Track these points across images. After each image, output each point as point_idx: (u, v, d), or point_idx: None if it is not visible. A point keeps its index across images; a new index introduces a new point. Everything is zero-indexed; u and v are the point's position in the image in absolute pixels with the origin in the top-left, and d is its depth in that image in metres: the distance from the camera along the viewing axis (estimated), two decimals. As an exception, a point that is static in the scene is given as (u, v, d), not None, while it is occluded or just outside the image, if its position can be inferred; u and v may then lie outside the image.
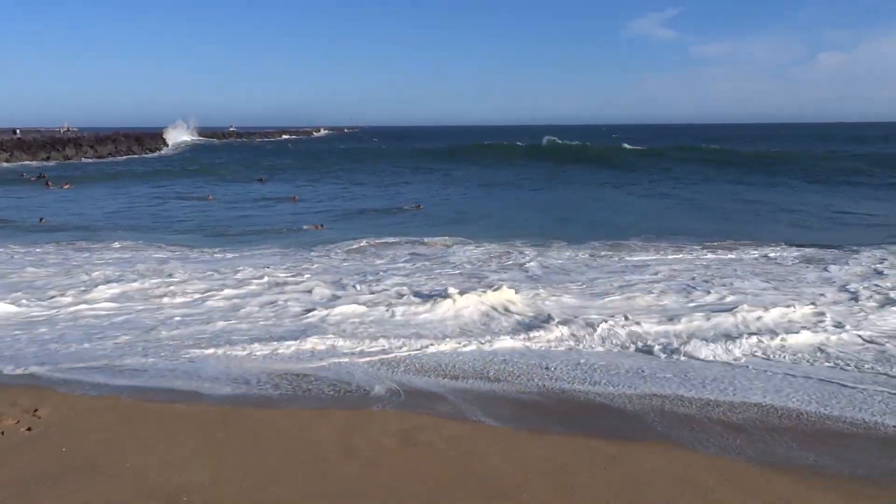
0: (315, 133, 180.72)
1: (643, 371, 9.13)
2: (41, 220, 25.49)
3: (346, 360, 9.51)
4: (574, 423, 7.56)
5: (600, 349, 10.11)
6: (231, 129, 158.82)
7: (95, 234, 21.82)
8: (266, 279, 14.43)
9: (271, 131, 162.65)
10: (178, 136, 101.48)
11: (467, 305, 11.88)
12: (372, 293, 13.15)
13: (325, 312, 11.77)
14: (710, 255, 17.27)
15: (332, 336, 10.44)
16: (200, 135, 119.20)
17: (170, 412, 7.76)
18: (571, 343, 10.31)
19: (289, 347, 9.97)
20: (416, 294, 12.90)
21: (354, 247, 19.09)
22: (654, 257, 17.12)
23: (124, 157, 69.10)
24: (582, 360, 9.53)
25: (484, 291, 12.39)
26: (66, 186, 39.19)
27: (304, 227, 23.20)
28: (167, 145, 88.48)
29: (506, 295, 12.24)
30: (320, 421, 7.51)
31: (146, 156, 73.02)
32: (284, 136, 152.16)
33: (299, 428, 7.33)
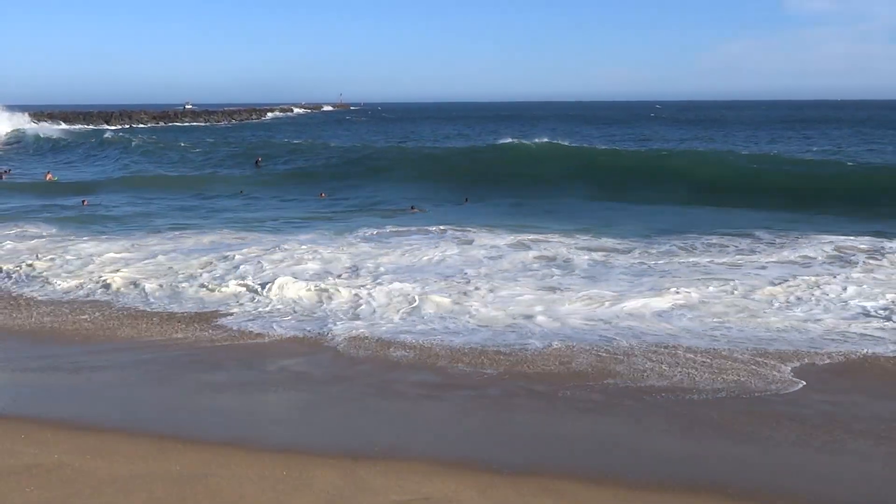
0: (273, 113, 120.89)
1: None
2: None
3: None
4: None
5: None
6: (187, 106, 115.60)
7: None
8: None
9: (242, 109, 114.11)
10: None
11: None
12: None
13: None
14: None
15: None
16: (130, 120, 79.23)
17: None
18: None
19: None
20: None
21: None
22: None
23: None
24: None
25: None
26: None
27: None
28: None
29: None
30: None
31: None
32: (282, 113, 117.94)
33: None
